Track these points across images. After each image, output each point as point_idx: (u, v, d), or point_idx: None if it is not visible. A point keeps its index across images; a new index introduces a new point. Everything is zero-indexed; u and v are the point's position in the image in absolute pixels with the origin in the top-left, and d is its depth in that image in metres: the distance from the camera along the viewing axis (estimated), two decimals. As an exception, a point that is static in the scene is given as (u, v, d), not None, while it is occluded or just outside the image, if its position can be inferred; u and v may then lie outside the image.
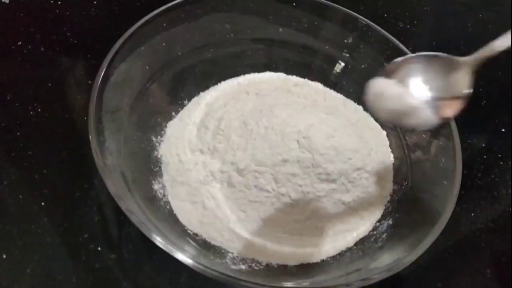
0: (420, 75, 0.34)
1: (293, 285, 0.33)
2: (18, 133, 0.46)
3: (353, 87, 0.51)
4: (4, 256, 0.38)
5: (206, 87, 0.50)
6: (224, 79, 0.51)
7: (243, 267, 0.37)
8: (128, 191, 0.35)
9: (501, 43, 0.32)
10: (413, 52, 0.46)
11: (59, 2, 0.60)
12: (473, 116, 0.58)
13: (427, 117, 0.33)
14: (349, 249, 0.40)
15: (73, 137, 0.47)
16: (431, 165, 0.42)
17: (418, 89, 0.33)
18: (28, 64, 0.53)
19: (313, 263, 0.39)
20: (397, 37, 0.47)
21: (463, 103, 0.33)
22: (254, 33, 0.51)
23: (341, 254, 0.40)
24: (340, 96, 0.52)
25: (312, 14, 0.50)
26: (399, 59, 0.35)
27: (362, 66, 0.51)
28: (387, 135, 0.48)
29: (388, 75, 0.34)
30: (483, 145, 0.55)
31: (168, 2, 0.44)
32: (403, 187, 0.43)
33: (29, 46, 0.54)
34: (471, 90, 0.33)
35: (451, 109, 0.33)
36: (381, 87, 0.34)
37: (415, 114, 0.33)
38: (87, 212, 0.42)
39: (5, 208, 0.41)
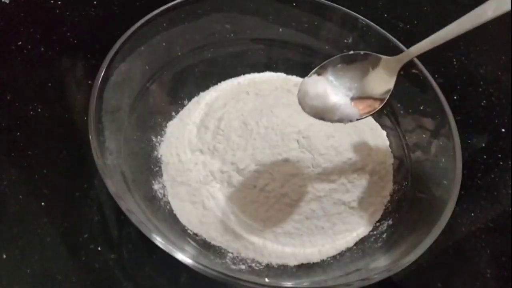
0: (347, 73, 0.36)
1: (293, 285, 0.33)
2: (18, 133, 0.46)
3: (353, 87, 0.51)
4: (4, 256, 0.38)
5: (206, 87, 0.50)
6: (224, 79, 0.51)
7: (243, 267, 0.37)
8: (128, 191, 0.35)
9: (424, 45, 0.34)
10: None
11: (59, 2, 0.60)
12: (473, 116, 0.58)
13: (347, 114, 0.35)
14: (349, 249, 0.40)
15: (73, 137, 0.47)
16: (431, 165, 0.42)
17: (341, 87, 0.36)
18: (28, 64, 0.53)
19: (313, 263, 0.39)
20: (397, 37, 0.47)
21: (384, 101, 0.36)
22: (254, 33, 0.51)
23: (341, 254, 0.40)
24: (340, 96, 0.52)
25: (312, 14, 0.50)
26: (333, 57, 0.37)
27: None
28: (387, 135, 0.48)
29: (320, 73, 0.37)
30: (483, 145, 0.55)
31: (168, 2, 0.44)
32: (403, 187, 0.43)
33: (29, 46, 0.54)
34: (391, 88, 0.36)
35: (372, 106, 0.36)
36: (308, 85, 0.36)
37: (336, 111, 0.35)
38: (87, 212, 0.42)
39: (5, 208, 0.41)
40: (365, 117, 0.36)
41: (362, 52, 0.36)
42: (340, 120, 0.35)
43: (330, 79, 0.36)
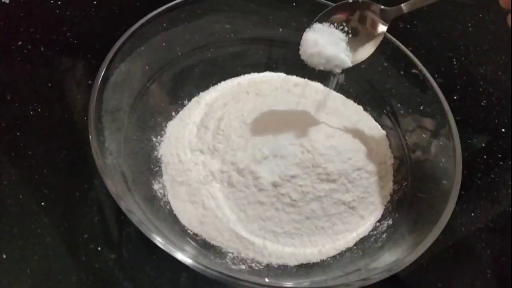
0: (344, 21, 0.39)
1: (293, 285, 0.33)
2: (18, 133, 0.46)
3: (353, 87, 0.51)
4: (4, 256, 0.38)
5: (206, 87, 0.50)
6: (224, 79, 0.51)
7: (243, 267, 0.37)
8: (128, 191, 0.35)
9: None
10: (413, 52, 0.46)
11: (59, 2, 0.60)
12: (473, 116, 0.58)
13: (342, 61, 0.38)
14: (349, 249, 0.40)
15: (73, 137, 0.47)
16: (431, 165, 0.42)
17: (338, 35, 0.39)
18: (28, 64, 0.53)
19: (313, 263, 0.39)
20: (397, 37, 0.47)
21: (375, 47, 0.39)
22: (254, 33, 0.51)
23: (341, 254, 0.40)
24: (340, 96, 0.52)
25: (312, 14, 0.50)
26: (333, 6, 0.39)
27: (362, 66, 0.50)
28: (387, 135, 0.48)
29: (320, 21, 0.39)
30: (483, 145, 0.55)
31: (168, 2, 0.44)
32: (403, 187, 0.43)
33: (29, 46, 0.54)
34: (381, 38, 0.38)
35: (363, 53, 0.39)
36: (306, 44, 0.39)
37: (332, 60, 0.38)
38: (87, 212, 0.42)
39: (5, 208, 0.41)
40: (357, 63, 0.39)
41: (360, 0, 0.38)
42: (337, 67, 0.38)
43: (327, 28, 0.39)
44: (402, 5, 0.37)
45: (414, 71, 0.45)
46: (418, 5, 0.36)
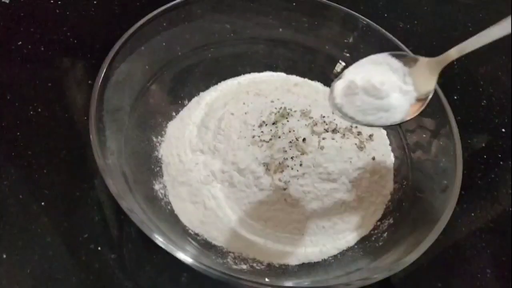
0: (387, 75, 0.34)
1: (294, 285, 0.33)
2: (18, 133, 0.46)
3: (353, 87, 0.51)
4: (4, 256, 0.38)
5: (206, 87, 0.50)
6: (224, 79, 0.51)
7: (244, 266, 0.37)
8: (129, 191, 0.35)
9: (467, 45, 0.31)
10: (413, 52, 0.46)
11: (59, 2, 0.60)
12: (473, 116, 0.58)
13: (392, 117, 0.33)
14: (350, 249, 0.40)
15: (73, 137, 0.47)
16: (431, 165, 0.42)
17: (386, 89, 0.33)
18: (28, 64, 0.53)
19: (314, 263, 0.39)
20: (397, 37, 0.47)
21: (426, 103, 0.33)
22: (254, 33, 0.51)
23: (342, 253, 0.40)
24: (340, 96, 0.52)
25: (312, 14, 0.50)
26: (365, 59, 0.35)
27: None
28: (387, 135, 0.48)
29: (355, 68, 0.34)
30: (483, 145, 0.55)
31: (168, 2, 0.44)
32: (403, 187, 0.43)
33: (29, 46, 0.54)
34: (433, 92, 0.33)
35: (415, 110, 0.33)
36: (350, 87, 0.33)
37: (380, 114, 0.33)
38: (87, 212, 0.42)
39: (5, 208, 0.41)
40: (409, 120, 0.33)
41: (397, 53, 0.34)
42: (380, 124, 0.33)
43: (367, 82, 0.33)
44: (451, 50, 0.31)
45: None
46: (469, 49, 0.31)
